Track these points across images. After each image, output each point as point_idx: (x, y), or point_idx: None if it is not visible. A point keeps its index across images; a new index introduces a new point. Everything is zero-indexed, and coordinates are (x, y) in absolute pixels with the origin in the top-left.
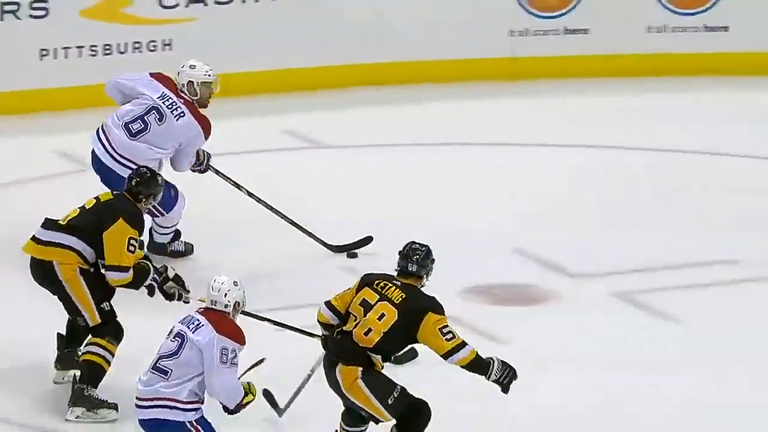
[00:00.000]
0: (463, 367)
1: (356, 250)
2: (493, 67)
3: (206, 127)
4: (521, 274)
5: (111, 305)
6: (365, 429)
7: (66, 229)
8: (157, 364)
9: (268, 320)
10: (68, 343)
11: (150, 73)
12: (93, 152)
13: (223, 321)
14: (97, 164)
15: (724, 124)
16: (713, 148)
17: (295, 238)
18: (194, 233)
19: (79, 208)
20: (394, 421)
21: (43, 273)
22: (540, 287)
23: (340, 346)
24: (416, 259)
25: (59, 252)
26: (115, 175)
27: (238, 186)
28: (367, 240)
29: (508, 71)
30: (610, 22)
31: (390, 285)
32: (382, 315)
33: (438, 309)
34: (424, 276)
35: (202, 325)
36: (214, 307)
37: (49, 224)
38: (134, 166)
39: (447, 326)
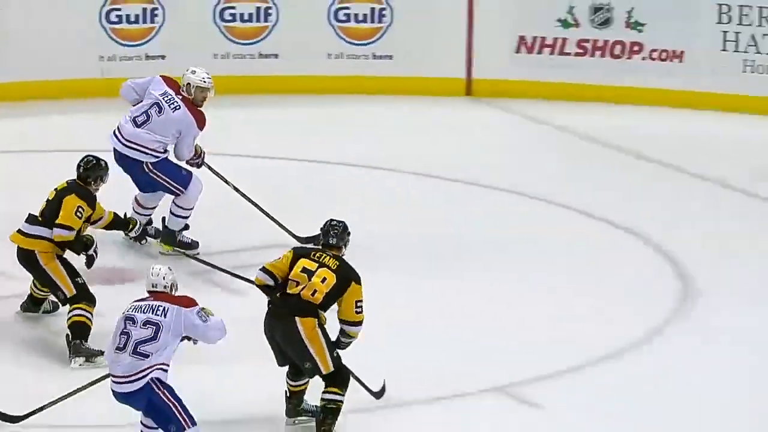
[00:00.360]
0: (346, 334)
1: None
2: (86, 87)
3: (199, 119)
4: (121, 259)
5: (83, 279)
6: (308, 382)
7: (41, 222)
8: (138, 350)
9: (215, 267)
10: (30, 304)
11: (161, 75)
12: (113, 149)
13: (175, 298)
14: (116, 155)
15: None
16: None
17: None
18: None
19: (45, 201)
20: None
21: (27, 259)
22: (135, 269)
23: (294, 304)
24: (335, 233)
25: (39, 243)
26: (130, 160)
27: (226, 181)
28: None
29: (99, 90)
30: (181, 50)
31: (324, 254)
32: (324, 279)
33: (360, 281)
34: (343, 246)
35: (168, 308)
36: (155, 289)
37: (31, 219)
38: (143, 149)
39: (362, 300)
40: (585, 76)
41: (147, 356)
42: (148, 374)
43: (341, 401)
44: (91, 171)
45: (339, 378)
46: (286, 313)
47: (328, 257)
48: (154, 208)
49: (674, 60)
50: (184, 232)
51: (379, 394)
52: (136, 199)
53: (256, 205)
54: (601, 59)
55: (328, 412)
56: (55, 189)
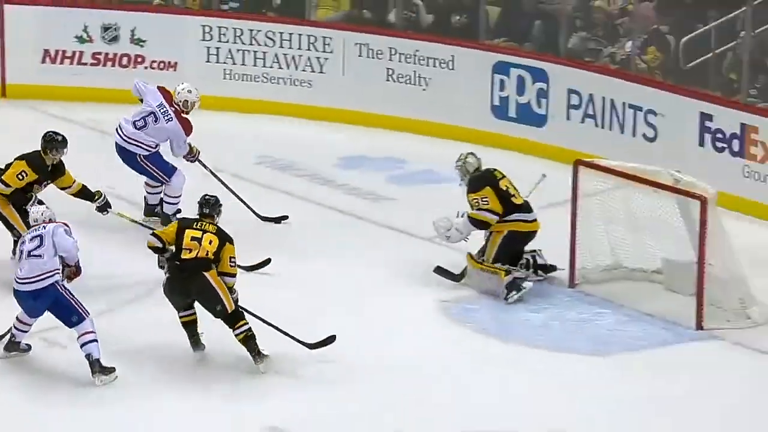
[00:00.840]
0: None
1: (281, 221)
2: None
3: (186, 126)
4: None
5: None
6: (195, 312)
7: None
8: (31, 254)
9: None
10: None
11: (157, 87)
12: (115, 142)
13: (51, 222)
14: (117, 148)
15: None
16: None
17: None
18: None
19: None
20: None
21: None
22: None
23: (196, 264)
24: (209, 205)
25: None
26: (128, 152)
27: (214, 175)
28: (285, 217)
29: None
30: None
31: (204, 222)
32: (211, 241)
33: (233, 242)
34: (215, 215)
35: (46, 225)
36: (36, 223)
37: None
38: (139, 144)
39: (234, 257)
40: (99, 82)
41: (40, 257)
42: (50, 276)
43: (250, 326)
44: (49, 144)
45: (237, 314)
46: (195, 272)
47: (207, 224)
48: (159, 186)
49: (170, 69)
50: (178, 215)
51: (311, 346)
52: (145, 182)
53: (231, 190)
54: (111, 68)
55: (249, 339)
56: (23, 153)
